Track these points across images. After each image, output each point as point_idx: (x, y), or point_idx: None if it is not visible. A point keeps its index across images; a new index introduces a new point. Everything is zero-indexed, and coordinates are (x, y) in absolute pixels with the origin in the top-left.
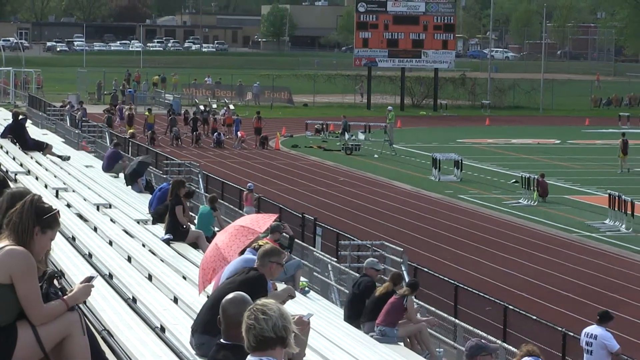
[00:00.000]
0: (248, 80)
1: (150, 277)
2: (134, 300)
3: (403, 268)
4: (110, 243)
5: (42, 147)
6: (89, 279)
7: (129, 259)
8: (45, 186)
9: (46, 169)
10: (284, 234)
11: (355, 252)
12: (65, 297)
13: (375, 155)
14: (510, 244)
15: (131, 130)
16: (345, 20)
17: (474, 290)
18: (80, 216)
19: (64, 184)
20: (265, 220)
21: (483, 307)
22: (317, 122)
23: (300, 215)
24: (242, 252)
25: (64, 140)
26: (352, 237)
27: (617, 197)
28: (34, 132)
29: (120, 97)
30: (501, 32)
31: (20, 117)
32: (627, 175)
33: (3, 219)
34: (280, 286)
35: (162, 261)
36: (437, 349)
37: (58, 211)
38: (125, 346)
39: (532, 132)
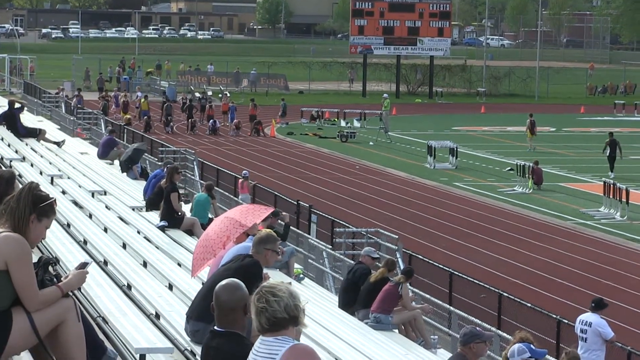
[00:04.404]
0: (243, 68)
1: (145, 264)
2: (129, 287)
3: (398, 255)
4: (105, 230)
5: (36, 134)
6: (84, 266)
7: (124, 246)
8: (41, 173)
9: (41, 156)
10: (280, 221)
11: (350, 240)
12: (60, 283)
13: (371, 143)
14: (505, 232)
15: (127, 116)
16: (340, 8)
17: (468, 278)
18: (75, 203)
19: (59, 170)
20: (262, 212)
21: (478, 294)
22: (312, 109)
23: (295, 203)
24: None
25: (59, 127)
26: (347, 225)
27: (612, 185)
28: (30, 119)
29: (116, 84)
30: (497, 19)
31: (17, 105)
32: (534, 153)
33: None
34: (274, 273)
35: (157, 248)
36: (431, 336)
37: (55, 200)
38: (120, 333)
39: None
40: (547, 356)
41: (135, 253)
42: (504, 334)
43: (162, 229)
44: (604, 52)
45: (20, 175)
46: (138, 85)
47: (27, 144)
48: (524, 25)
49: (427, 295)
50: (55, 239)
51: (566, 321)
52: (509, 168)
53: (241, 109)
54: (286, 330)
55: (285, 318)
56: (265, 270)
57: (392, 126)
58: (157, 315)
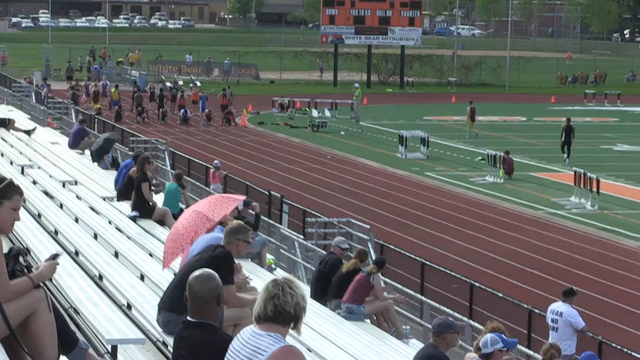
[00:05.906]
0: (214, 57)
1: (116, 255)
2: (100, 277)
3: (370, 245)
4: (76, 220)
5: (5, 124)
6: (54, 256)
7: (95, 236)
8: (11, 163)
9: (11, 146)
10: (250, 211)
11: (322, 230)
12: (31, 274)
13: (342, 133)
14: (476, 221)
15: (97, 106)
16: None
17: (440, 268)
18: (46, 193)
19: (30, 160)
20: (231, 203)
21: (449, 284)
22: (284, 99)
23: (267, 193)
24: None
25: (29, 117)
26: (318, 215)
27: (582, 175)
28: None
29: (86, 73)
30: (467, 9)
31: None
32: (474, 139)
33: None
34: (245, 263)
35: (129, 238)
36: (403, 327)
37: (11, 180)
38: (91, 323)
39: (498, 110)
40: (519, 345)
41: (106, 243)
42: (476, 324)
43: (134, 219)
44: (574, 41)
45: None
46: (104, 74)
47: None
48: (495, 15)
49: (399, 286)
50: (25, 230)
51: (537, 311)
52: (480, 158)
53: (213, 98)
54: (283, 328)
55: (290, 313)
56: (237, 261)
57: (363, 116)
58: (129, 306)
